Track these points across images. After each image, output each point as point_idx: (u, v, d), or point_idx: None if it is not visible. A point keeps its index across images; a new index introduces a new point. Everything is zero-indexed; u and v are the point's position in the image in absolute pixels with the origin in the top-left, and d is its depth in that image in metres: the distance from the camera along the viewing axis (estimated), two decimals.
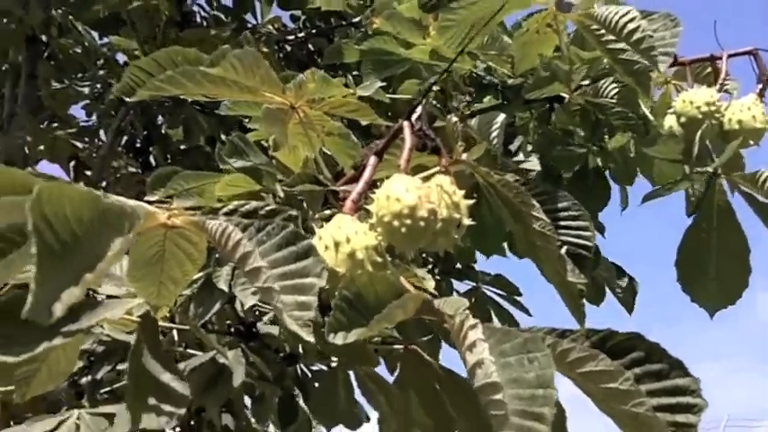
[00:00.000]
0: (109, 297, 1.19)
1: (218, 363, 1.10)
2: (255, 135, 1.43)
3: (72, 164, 3.22)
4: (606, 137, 1.73)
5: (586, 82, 1.63)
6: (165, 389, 0.91)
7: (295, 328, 0.73)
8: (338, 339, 0.79)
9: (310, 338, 0.73)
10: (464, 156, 1.11)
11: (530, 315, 2.40)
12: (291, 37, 3.13)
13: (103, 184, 2.94)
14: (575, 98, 1.60)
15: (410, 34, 1.67)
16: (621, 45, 1.34)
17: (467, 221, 0.99)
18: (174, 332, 1.33)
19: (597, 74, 1.61)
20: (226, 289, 1.05)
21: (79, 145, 3.06)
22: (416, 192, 0.90)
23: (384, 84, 1.84)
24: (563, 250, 1.15)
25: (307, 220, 1.07)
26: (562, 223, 1.18)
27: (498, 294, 2.44)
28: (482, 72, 1.71)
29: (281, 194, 1.12)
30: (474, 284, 2.48)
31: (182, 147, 3.01)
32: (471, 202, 1.00)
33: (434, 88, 1.71)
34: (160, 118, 3.07)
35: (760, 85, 1.56)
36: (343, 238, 0.90)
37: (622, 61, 1.35)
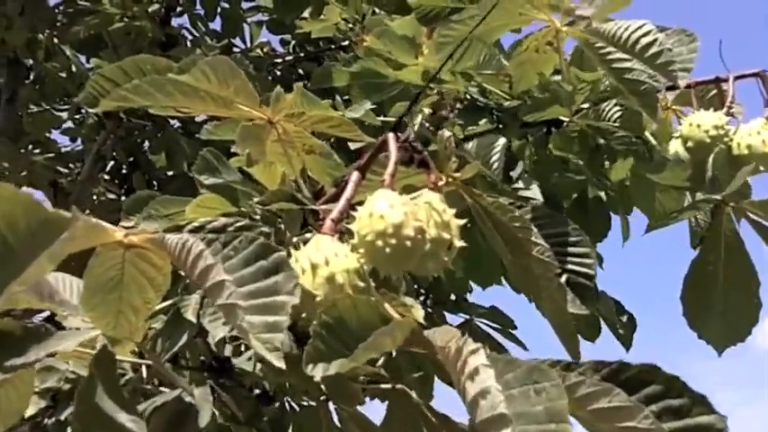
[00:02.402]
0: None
1: (184, 401, 1.00)
2: (238, 161, 1.35)
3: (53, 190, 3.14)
4: (606, 163, 1.65)
5: (586, 105, 1.55)
6: (120, 430, 0.81)
7: (263, 352, 0.63)
8: (317, 372, 0.69)
9: (281, 364, 0.63)
10: (456, 174, 1.03)
11: (525, 349, 2.33)
12: (279, 60, 3.07)
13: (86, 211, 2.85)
14: (575, 122, 1.51)
15: (402, 53, 1.59)
16: (629, 64, 1.26)
17: (458, 243, 0.90)
18: (144, 369, 1.23)
19: (598, 96, 1.53)
20: (194, 319, 0.95)
21: (64, 170, 2.97)
22: (402, 208, 0.81)
23: (374, 107, 1.76)
24: (563, 279, 1.06)
25: (284, 242, 0.98)
26: (561, 249, 1.10)
27: (492, 327, 2.35)
28: (477, 94, 1.63)
29: (258, 216, 1.03)
30: (467, 317, 2.39)
31: (169, 173, 2.92)
32: (463, 222, 0.91)
33: (426, 110, 1.63)
34: (147, 143, 2.99)
35: None
36: (322, 260, 0.81)
37: (628, 81, 1.28)
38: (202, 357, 1.27)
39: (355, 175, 0.89)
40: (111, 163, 3.19)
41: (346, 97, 2.01)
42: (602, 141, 1.62)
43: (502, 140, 1.28)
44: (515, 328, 2.34)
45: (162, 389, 1.25)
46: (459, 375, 0.69)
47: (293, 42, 3.25)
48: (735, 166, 1.43)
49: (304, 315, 0.81)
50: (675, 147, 1.47)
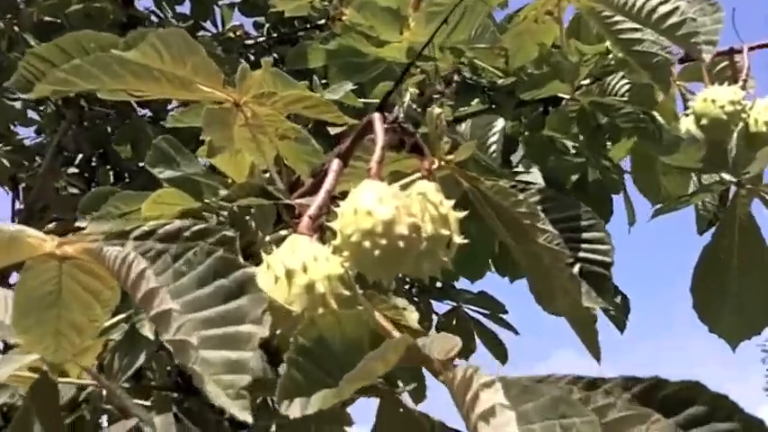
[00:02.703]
0: None
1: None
2: (204, 150, 1.21)
3: (23, 185, 2.97)
4: (609, 143, 1.52)
5: (586, 81, 1.42)
6: None
7: (224, 400, 0.50)
8: (294, 410, 0.56)
9: (246, 417, 0.50)
10: (449, 157, 0.90)
11: (516, 333, 2.23)
12: (251, 42, 2.91)
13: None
14: (576, 99, 1.38)
15: (385, 28, 1.45)
16: (638, 34, 1.13)
17: (458, 239, 0.77)
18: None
19: (599, 71, 1.40)
20: (151, 336, 0.82)
21: (27, 164, 2.80)
22: (393, 202, 0.67)
23: (355, 87, 1.62)
24: (576, 269, 0.93)
25: (254, 243, 0.84)
26: (572, 235, 0.97)
27: (481, 313, 2.24)
28: (467, 71, 1.49)
29: (225, 213, 0.89)
30: (455, 304, 2.28)
31: (140, 165, 2.75)
32: (462, 214, 0.78)
33: (413, 90, 1.49)
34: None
35: None
36: (299, 265, 0.67)
37: (637, 53, 1.14)
38: (169, 368, 1.13)
39: (336, 163, 0.75)
40: (80, 156, 3.03)
41: (324, 81, 1.88)
42: (604, 121, 1.50)
43: (500, 121, 1.14)
44: (506, 312, 2.25)
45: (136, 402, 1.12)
46: (469, 411, 0.56)
47: (267, 25, 3.10)
48: (752, 144, 1.31)
49: (279, 331, 0.68)
50: (687, 125, 1.34)
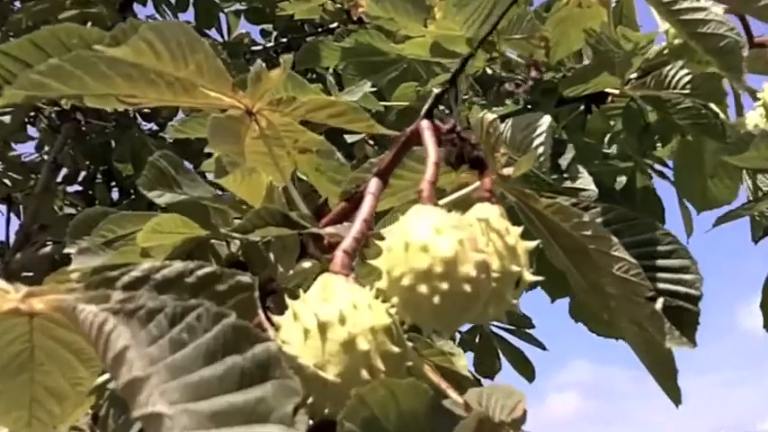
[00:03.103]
0: None
1: None
2: (210, 165, 1.06)
3: (22, 206, 2.84)
4: (659, 145, 1.37)
5: (634, 75, 1.27)
6: None
7: None
8: None
9: None
10: (506, 171, 0.75)
11: (544, 349, 2.09)
12: (259, 48, 2.76)
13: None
14: (627, 94, 1.22)
15: (407, 19, 1.30)
16: (702, 14, 0.97)
17: (529, 276, 0.62)
18: None
19: (649, 62, 1.24)
20: None
21: (25, 182, 2.66)
22: (454, 234, 0.52)
23: (374, 89, 1.48)
24: (658, 304, 0.78)
25: (274, 280, 0.69)
26: (647, 263, 0.82)
27: (505, 329, 2.10)
28: (498, 67, 1.34)
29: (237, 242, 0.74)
30: None
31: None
32: (533, 244, 0.63)
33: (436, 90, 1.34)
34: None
35: None
36: (335, 316, 0.52)
37: (702, 36, 0.98)
38: None
39: (374, 184, 0.60)
40: (84, 173, 2.89)
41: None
42: (652, 119, 1.34)
43: (545, 119, 0.99)
44: (533, 327, 2.11)
45: None
46: None
47: (275, 33, 2.97)
48: None
49: (311, 400, 0.53)
50: (755, 120, 1.19)
